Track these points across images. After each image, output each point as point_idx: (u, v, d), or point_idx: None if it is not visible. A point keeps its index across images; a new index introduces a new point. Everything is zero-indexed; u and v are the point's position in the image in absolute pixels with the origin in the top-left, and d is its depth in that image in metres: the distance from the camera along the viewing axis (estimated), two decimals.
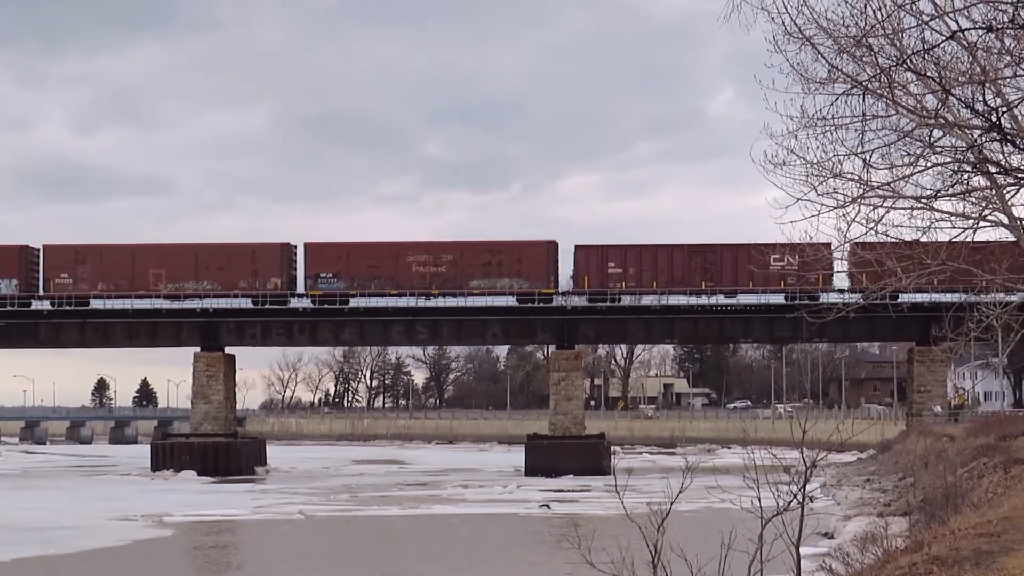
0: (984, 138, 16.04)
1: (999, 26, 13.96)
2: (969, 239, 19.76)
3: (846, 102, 17.24)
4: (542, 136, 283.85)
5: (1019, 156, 16.75)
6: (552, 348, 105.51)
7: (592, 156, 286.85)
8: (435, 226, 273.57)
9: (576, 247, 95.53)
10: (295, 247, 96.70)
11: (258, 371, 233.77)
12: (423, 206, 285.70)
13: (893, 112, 17.45)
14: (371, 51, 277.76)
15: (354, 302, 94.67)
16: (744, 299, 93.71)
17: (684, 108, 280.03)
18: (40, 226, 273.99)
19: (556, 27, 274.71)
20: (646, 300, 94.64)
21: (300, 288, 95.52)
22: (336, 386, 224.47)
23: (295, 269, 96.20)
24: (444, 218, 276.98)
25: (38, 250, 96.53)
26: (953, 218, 19.14)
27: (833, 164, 18.50)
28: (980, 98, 15.51)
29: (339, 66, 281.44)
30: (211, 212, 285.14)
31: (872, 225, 19.02)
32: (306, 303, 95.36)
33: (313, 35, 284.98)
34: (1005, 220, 18.76)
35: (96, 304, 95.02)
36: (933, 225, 19.19)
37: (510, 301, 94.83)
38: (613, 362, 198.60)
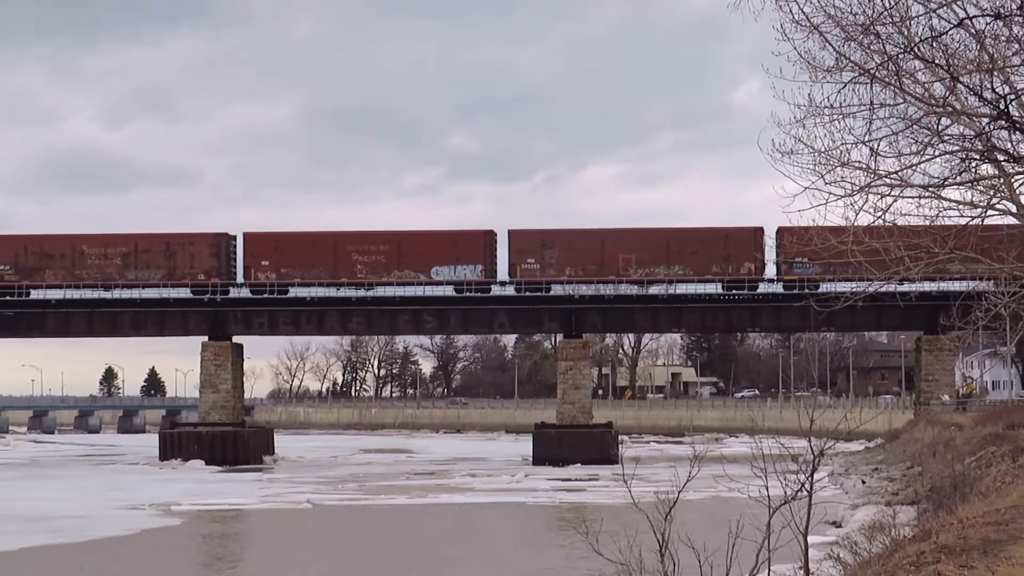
0: (992, 126, 16.00)
1: (1007, 13, 13.92)
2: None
3: (854, 90, 17.18)
4: (566, 128, 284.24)
5: None
6: (559, 337, 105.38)
7: (615, 148, 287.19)
8: (458, 217, 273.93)
9: None
10: (763, 230, 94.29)
11: (266, 360, 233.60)
12: (445, 197, 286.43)
13: (901, 100, 17.38)
14: (400, 45, 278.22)
15: (825, 287, 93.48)
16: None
17: (709, 101, 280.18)
18: (65, 218, 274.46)
19: (583, 21, 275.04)
20: (653, 289, 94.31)
21: (771, 272, 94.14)
22: (344, 375, 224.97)
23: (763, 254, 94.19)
24: (467, 209, 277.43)
25: (495, 234, 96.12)
26: (961, 207, 19.06)
27: (841, 153, 18.42)
28: (988, 86, 15.46)
29: (368, 60, 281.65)
30: (236, 204, 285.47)
31: (880, 214, 18.95)
32: (777, 288, 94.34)
33: (344, 29, 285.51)
34: (1013, 208, 18.69)
35: (556, 289, 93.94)
36: (941, 214, 19.10)
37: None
38: (620, 351, 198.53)
